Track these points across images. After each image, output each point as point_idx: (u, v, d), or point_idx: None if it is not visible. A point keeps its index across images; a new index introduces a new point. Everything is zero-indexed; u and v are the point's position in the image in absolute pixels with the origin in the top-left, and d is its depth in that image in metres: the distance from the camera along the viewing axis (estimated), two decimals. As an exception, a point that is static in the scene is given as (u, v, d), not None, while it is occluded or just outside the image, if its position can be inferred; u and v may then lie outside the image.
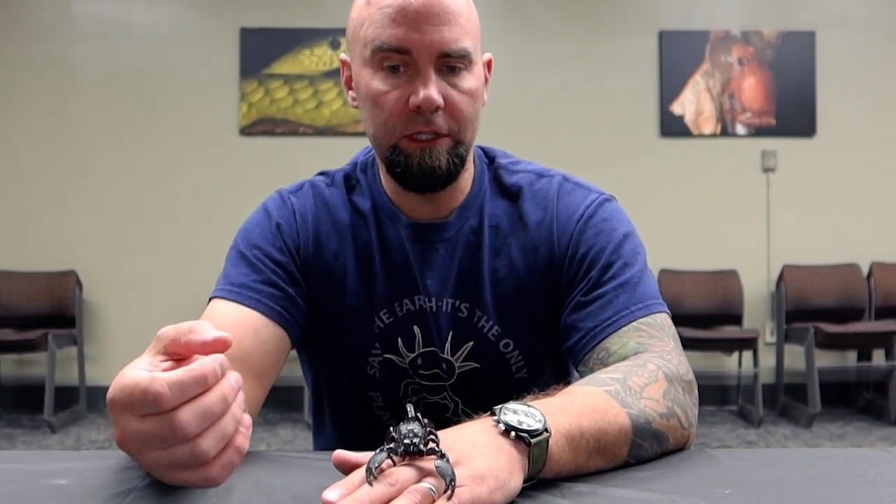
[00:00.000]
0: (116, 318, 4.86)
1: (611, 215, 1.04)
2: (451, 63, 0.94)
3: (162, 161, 4.90)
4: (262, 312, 0.97)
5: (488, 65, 1.04)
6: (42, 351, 4.35)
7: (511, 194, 1.06)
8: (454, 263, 1.03)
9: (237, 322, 0.95)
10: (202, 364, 0.56)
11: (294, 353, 1.07)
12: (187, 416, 0.55)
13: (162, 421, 0.55)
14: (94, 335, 4.85)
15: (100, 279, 4.84)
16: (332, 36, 4.90)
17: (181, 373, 0.55)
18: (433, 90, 0.92)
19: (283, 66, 4.91)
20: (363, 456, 0.63)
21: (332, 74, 4.90)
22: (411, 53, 0.92)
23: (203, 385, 0.56)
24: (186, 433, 0.55)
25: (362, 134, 5.17)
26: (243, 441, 0.59)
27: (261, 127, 4.91)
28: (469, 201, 1.05)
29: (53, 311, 4.64)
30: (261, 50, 4.91)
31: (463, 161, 0.99)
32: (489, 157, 1.10)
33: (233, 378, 0.58)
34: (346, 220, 1.05)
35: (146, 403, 0.54)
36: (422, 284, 1.03)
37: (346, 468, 0.64)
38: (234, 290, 0.98)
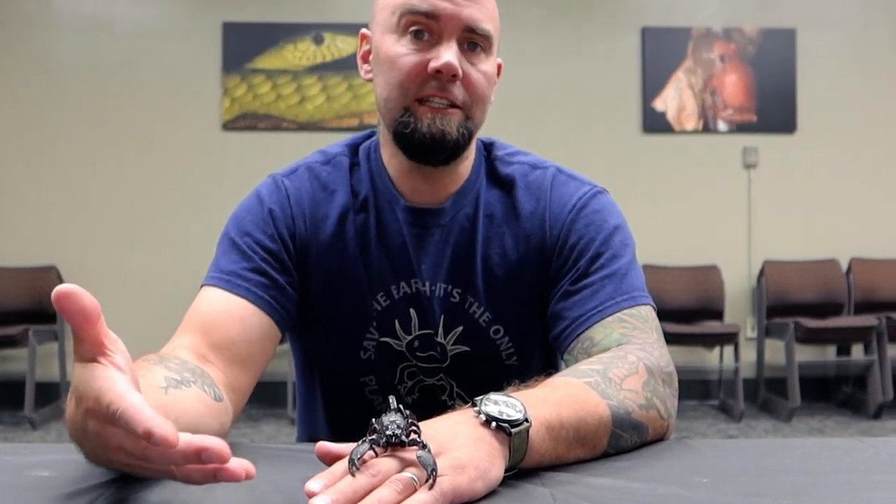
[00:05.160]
0: (98, 314, 4.82)
1: (602, 207, 1.05)
2: (473, 40, 0.97)
3: (144, 156, 4.87)
4: (251, 301, 0.97)
5: (498, 69, 1.06)
6: (22, 347, 4.32)
7: (505, 184, 1.07)
8: (448, 249, 1.04)
9: (224, 311, 0.96)
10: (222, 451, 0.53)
11: (280, 346, 1.08)
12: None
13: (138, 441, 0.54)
14: (76, 331, 4.81)
15: (81, 274, 4.80)
16: (316, 31, 4.88)
17: (198, 442, 0.53)
18: (454, 57, 0.94)
19: (266, 62, 4.89)
20: (346, 447, 0.64)
21: (316, 69, 4.89)
22: (440, 20, 0.94)
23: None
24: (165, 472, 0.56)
25: (346, 129, 5.17)
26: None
27: (244, 122, 4.89)
28: (466, 188, 1.06)
29: (34, 307, 4.60)
30: (243, 45, 4.89)
31: (470, 136, 1.00)
32: (486, 147, 1.12)
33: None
34: (344, 202, 1.05)
35: (152, 441, 0.51)
36: (417, 268, 1.04)
37: (329, 459, 0.65)
38: (224, 278, 0.99)
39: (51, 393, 4.59)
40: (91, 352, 0.57)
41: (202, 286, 1.00)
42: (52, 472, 0.71)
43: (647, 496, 0.64)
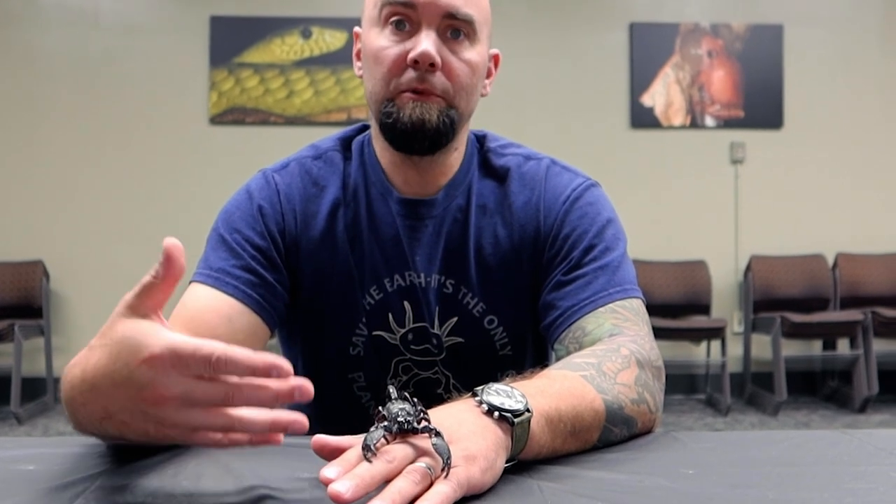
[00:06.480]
0: (84, 309, 4.81)
1: (596, 200, 1.06)
2: (455, 26, 0.96)
3: (130, 150, 4.85)
4: (239, 299, 0.97)
5: (496, 60, 1.06)
6: (8, 342, 4.29)
7: (499, 176, 1.07)
8: (441, 240, 1.04)
9: (212, 309, 0.95)
10: (279, 359, 0.57)
11: (271, 342, 1.07)
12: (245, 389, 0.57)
13: (217, 385, 0.57)
14: (62, 326, 4.80)
15: (67, 269, 4.78)
16: (304, 25, 4.87)
17: (258, 356, 0.57)
18: (431, 45, 0.94)
19: (254, 55, 4.87)
20: (343, 440, 0.64)
21: (304, 63, 4.87)
22: (417, 9, 0.94)
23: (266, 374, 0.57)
24: (236, 401, 0.57)
25: (333, 123, 5.15)
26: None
27: (231, 116, 4.87)
28: (457, 179, 1.06)
29: (20, 302, 4.58)
30: (231, 38, 4.86)
31: (454, 126, 0.99)
32: (479, 139, 1.12)
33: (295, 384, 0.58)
34: (335, 198, 1.05)
35: (222, 365, 0.56)
36: (411, 260, 1.04)
37: (326, 452, 0.64)
38: (212, 276, 0.98)
39: (37, 388, 4.56)
40: (149, 307, 0.60)
41: (190, 282, 1.00)
42: (38, 465, 0.71)
43: (633, 488, 0.65)
